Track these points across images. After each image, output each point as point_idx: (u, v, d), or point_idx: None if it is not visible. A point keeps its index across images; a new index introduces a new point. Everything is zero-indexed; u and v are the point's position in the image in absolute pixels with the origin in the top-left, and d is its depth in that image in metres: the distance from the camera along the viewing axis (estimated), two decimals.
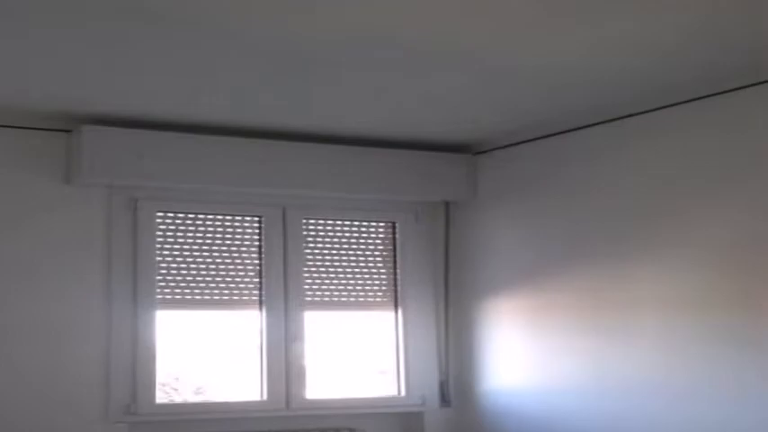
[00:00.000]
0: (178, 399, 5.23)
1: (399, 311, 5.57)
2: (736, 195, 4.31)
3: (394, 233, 5.61)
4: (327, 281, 5.44)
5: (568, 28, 3.72)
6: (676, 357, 4.49)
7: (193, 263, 5.15)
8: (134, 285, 5.00)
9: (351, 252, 5.51)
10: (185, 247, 5.15)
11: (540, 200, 5.18)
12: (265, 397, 5.23)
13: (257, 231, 5.31)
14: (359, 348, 5.57)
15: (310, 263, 5.40)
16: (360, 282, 5.51)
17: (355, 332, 5.57)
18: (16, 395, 4.70)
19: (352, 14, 3.54)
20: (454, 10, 3.51)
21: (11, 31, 3.65)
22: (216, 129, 4.97)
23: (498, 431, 5.29)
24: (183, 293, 5.13)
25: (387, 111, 4.81)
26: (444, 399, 5.54)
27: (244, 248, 5.27)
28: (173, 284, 5.10)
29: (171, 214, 5.14)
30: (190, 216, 5.18)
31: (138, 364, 4.96)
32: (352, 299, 5.50)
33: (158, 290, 5.06)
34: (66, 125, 4.82)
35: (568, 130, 4.99)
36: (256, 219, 5.31)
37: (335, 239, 5.48)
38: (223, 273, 5.20)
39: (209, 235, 5.20)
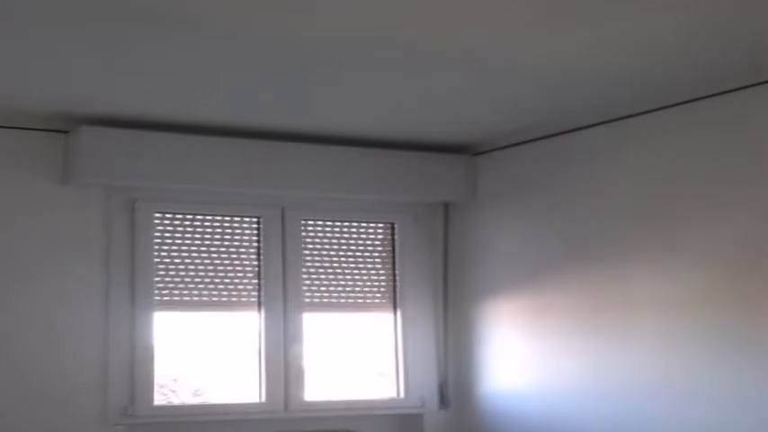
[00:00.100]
0: (176, 400, 5.21)
1: (398, 313, 5.56)
2: (737, 196, 4.30)
3: (393, 234, 5.60)
4: (326, 282, 5.43)
5: (568, 28, 3.71)
6: (676, 358, 4.48)
7: (191, 264, 5.14)
8: (132, 286, 4.99)
9: (350, 253, 5.50)
10: (183, 248, 5.14)
11: (539, 201, 5.18)
12: (264, 399, 5.22)
13: (256, 232, 5.30)
14: (358, 350, 5.57)
15: (309, 264, 5.39)
16: (359, 283, 5.50)
17: (354, 334, 5.56)
18: (13, 397, 4.68)
19: (352, 14, 3.54)
20: (454, 10, 3.51)
21: (10, 31, 3.63)
22: (215, 129, 4.96)
23: None
24: (181, 294, 5.11)
25: (387, 111, 4.81)
26: (443, 400, 5.54)
27: (242, 249, 5.26)
28: (171, 285, 5.09)
29: (169, 215, 5.13)
30: (188, 217, 5.17)
31: (135, 366, 4.95)
32: (350, 300, 5.49)
33: (156, 291, 5.05)
34: (65, 126, 4.81)
35: (568, 131, 4.99)
36: (255, 219, 5.30)
37: (334, 240, 5.47)
38: (221, 274, 5.19)
39: (208, 236, 5.19)
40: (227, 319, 5.28)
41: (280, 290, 5.28)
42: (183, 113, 4.77)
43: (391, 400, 5.53)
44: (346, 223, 5.50)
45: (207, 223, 5.20)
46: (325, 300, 5.43)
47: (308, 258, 5.39)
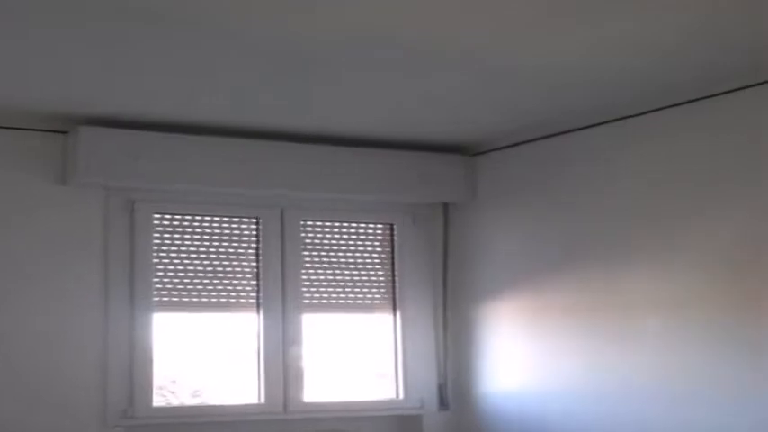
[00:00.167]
0: (175, 402, 5.21)
1: (398, 314, 5.56)
2: (736, 196, 4.30)
3: (392, 235, 5.60)
4: (325, 283, 5.43)
5: (568, 28, 3.72)
6: (675, 358, 4.48)
7: (191, 265, 5.13)
8: (131, 287, 4.98)
9: (349, 254, 5.49)
10: (182, 248, 5.13)
11: (539, 201, 5.18)
12: (263, 400, 5.21)
13: (255, 233, 5.29)
14: (357, 351, 5.56)
15: (308, 265, 5.38)
16: (358, 284, 5.50)
17: (353, 335, 5.56)
18: (12, 398, 4.67)
19: (352, 14, 3.54)
20: (454, 10, 3.51)
21: (10, 31, 3.63)
22: (215, 129, 4.95)
23: None
24: (180, 296, 5.11)
25: (386, 111, 4.81)
26: (443, 402, 5.53)
27: (241, 250, 5.25)
28: (170, 287, 5.09)
29: (168, 216, 5.13)
30: (187, 217, 5.17)
31: (134, 367, 4.95)
32: (350, 301, 5.49)
33: (155, 292, 5.04)
34: (64, 126, 4.81)
35: (568, 131, 4.99)
36: (254, 220, 5.30)
37: (333, 241, 5.47)
38: (221, 275, 5.19)
39: (207, 236, 5.19)
40: (226, 320, 5.28)
41: (279, 291, 5.28)
42: (182, 113, 4.76)
43: (390, 401, 5.52)
44: (345, 224, 5.50)
45: (206, 224, 5.19)
46: (325, 301, 5.42)
47: (308, 259, 5.39)
